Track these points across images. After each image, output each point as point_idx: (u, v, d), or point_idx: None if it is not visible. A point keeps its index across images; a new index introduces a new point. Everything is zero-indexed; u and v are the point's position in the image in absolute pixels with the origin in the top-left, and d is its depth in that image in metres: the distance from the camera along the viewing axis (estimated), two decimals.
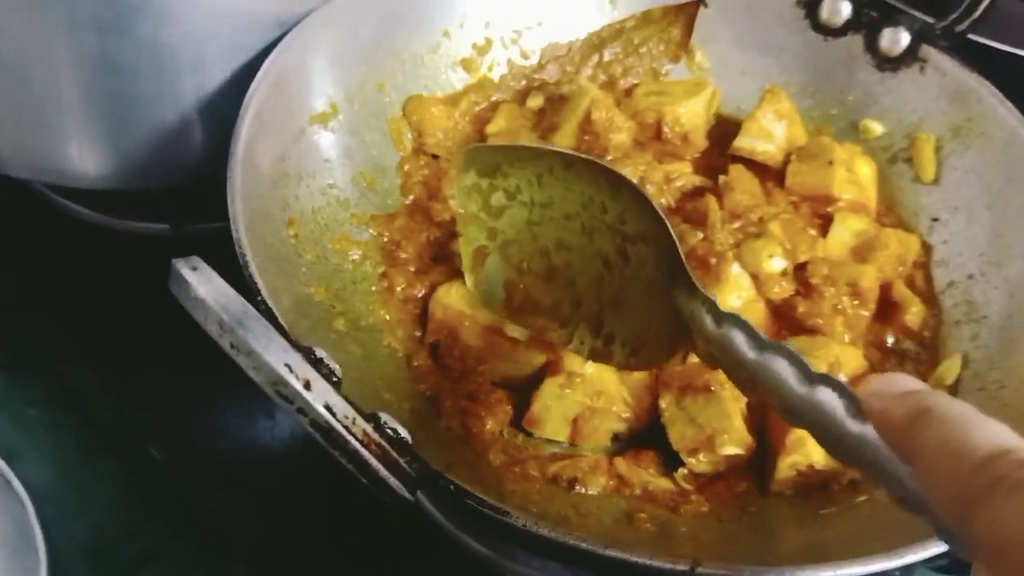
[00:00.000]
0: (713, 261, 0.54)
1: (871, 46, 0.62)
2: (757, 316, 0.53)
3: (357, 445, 0.31)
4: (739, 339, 0.38)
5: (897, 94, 0.62)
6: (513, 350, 0.52)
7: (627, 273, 0.48)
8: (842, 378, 0.36)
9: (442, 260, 0.56)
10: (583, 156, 0.50)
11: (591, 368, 0.51)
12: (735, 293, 0.53)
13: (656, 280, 0.46)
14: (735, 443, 0.48)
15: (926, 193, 0.60)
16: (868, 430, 0.32)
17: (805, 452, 0.47)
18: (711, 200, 0.57)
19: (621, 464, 0.50)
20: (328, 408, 0.31)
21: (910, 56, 0.61)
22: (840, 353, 0.51)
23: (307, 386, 0.30)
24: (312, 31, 0.55)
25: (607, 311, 0.48)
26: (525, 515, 0.38)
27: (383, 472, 0.32)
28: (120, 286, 0.67)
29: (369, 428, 0.32)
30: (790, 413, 0.36)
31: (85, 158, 0.57)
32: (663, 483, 0.49)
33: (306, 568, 0.57)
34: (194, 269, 0.32)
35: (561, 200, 0.50)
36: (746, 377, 0.38)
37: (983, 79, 0.59)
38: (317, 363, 0.34)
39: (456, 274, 0.54)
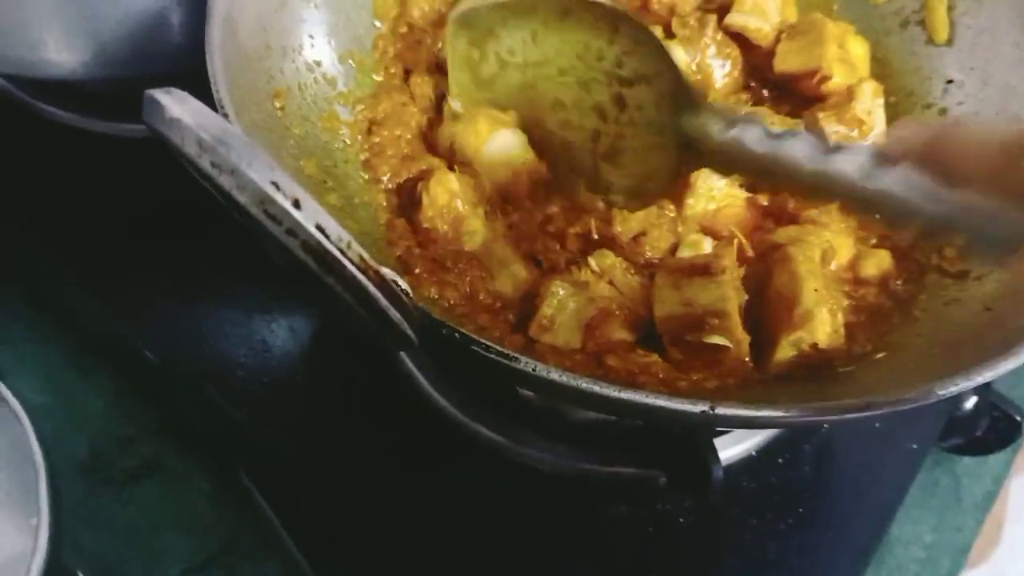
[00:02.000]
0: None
1: None
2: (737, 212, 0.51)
3: (354, 270, 0.29)
4: (751, 135, 0.41)
5: None
6: (506, 262, 0.49)
7: (623, 120, 0.47)
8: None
9: (433, 150, 0.54)
10: None
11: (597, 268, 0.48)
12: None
13: (654, 119, 0.46)
14: (725, 332, 0.45)
15: (939, 55, 0.58)
16: (893, 175, 0.34)
17: (810, 328, 0.45)
18: None
19: (613, 359, 0.46)
20: (320, 229, 0.29)
21: None
22: (832, 240, 0.49)
23: (296, 204, 0.28)
24: None
25: (604, 163, 0.47)
26: (533, 360, 0.35)
27: (383, 302, 0.30)
28: (102, 191, 0.65)
29: (365, 254, 0.30)
30: (812, 190, 0.39)
31: (58, 46, 0.55)
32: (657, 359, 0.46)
33: (311, 471, 0.56)
34: (168, 93, 0.30)
35: (556, 54, 0.48)
36: (763, 170, 0.41)
37: None
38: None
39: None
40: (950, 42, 0.57)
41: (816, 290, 0.44)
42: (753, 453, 0.56)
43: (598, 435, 0.53)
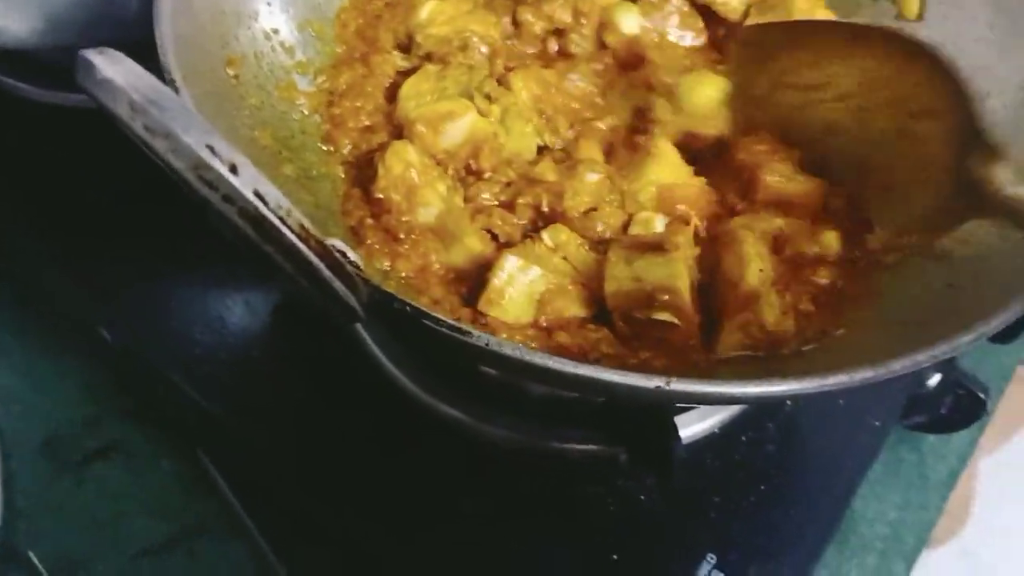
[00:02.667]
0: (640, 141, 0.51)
1: None
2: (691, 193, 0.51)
3: (293, 238, 0.28)
4: None
5: None
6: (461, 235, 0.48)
7: (900, 153, 0.46)
8: None
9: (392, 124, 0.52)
10: (877, 26, 0.48)
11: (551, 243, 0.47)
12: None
13: (939, 155, 0.45)
14: (673, 309, 0.44)
15: (911, 30, 0.57)
16: None
17: (756, 310, 0.44)
18: None
19: (563, 335, 0.45)
20: (258, 195, 0.27)
21: None
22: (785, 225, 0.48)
23: (233, 170, 0.27)
24: None
25: (875, 194, 0.47)
26: (486, 335, 0.35)
27: (326, 273, 0.29)
28: (61, 164, 0.64)
29: (306, 222, 0.29)
30: None
31: (7, 10, 0.53)
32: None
33: (273, 453, 0.55)
34: (101, 53, 0.28)
35: (837, 79, 0.47)
36: None
37: None
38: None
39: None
40: (920, 16, 0.57)
41: (761, 270, 0.44)
42: (716, 431, 0.56)
43: (560, 412, 0.53)
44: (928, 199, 0.46)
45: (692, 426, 0.55)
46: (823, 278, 0.46)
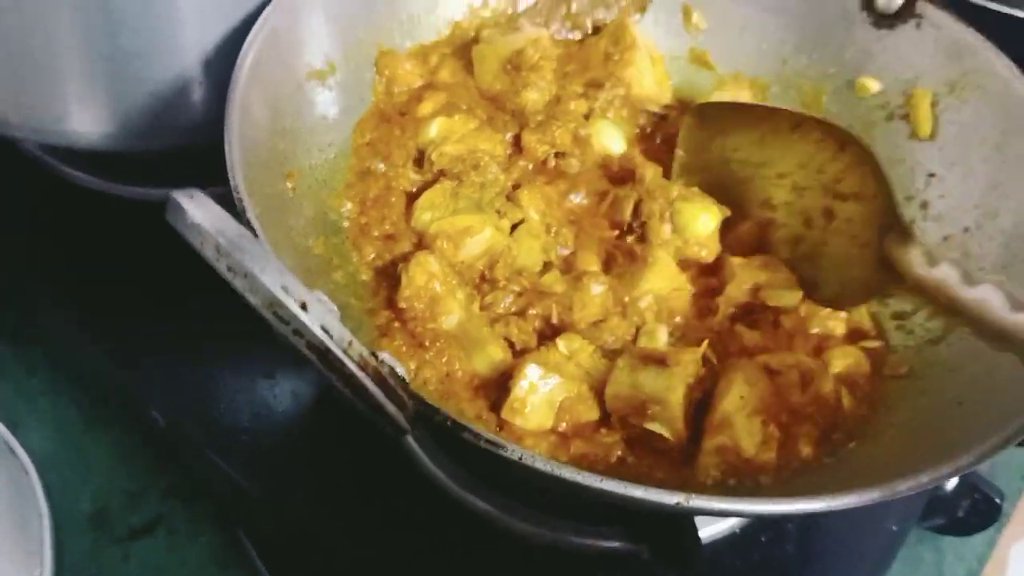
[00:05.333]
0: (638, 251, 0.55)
1: (868, 3, 0.62)
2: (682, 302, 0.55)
3: (354, 368, 0.31)
4: (954, 277, 0.45)
5: (894, 51, 0.62)
6: (482, 343, 0.51)
7: (829, 229, 0.53)
8: None
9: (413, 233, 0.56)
10: (815, 116, 0.54)
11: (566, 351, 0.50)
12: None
13: (861, 233, 0.51)
14: (664, 421, 0.47)
15: (922, 149, 0.60)
16: None
17: (731, 435, 0.47)
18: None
19: (578, 443, 0.48)
20: (325, 330, 0.31)
21: (907, 12, 0.61)
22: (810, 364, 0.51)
23: (303, 307, 0.31)
24: None
25: (801, 263, 0.53)
26: (520, 449, 0.38)
27: (380, 398, 0.32)
28: (119, 253, 0.68)
29: (365, 352, 0.32)
30: (996, 337, 0.43)
31: (83, 118, 0.58)
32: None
33: (309, 533, 0.58)
34: (191, 197, 0.32)
35: (778, 159, 0.54)
36: (953, 307, 0.46)
37: (979, 34, 0.59)
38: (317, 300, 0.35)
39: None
40: (933, 137, 0.60)
41: (742, 397, 0.46)
42: (737, 531, 0.58)
43: (585, 509, 0.55)
44: (852, 271, 0.52)
45: (713, 526, 0.57)
46: (830, 400, 0.48)
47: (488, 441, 0.37)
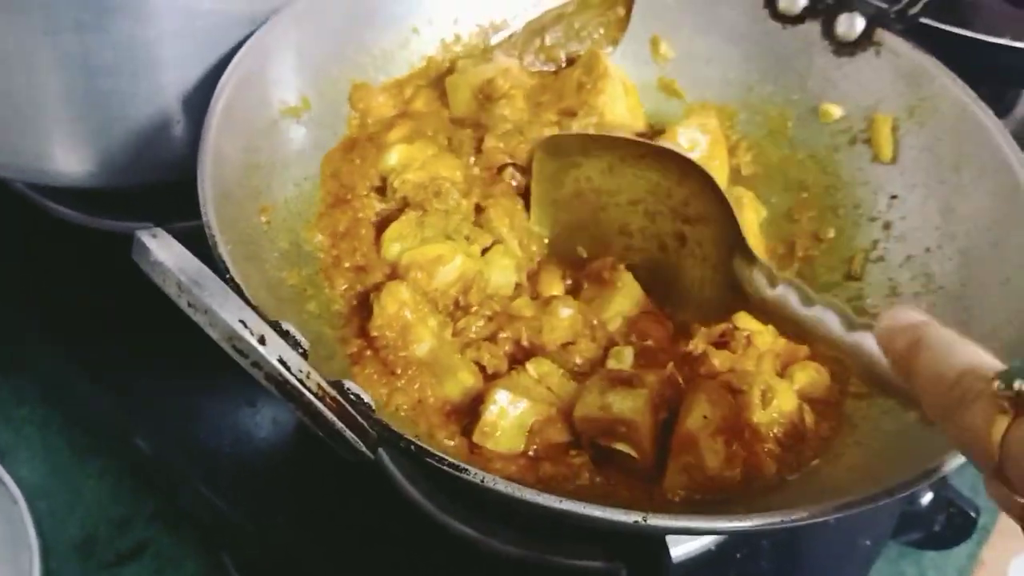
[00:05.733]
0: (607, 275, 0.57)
1: (828, 32, 0.64)
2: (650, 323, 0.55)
3: (312, 398, 0.33)
4: (793, 298, 0.46)
5: (854, 78, 0.63)
6: (453, 369, 0.52)
7: (683, 252, 0.54)
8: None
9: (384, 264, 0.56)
10: (657, 145, 0.56)
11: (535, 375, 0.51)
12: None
13: (711, 255, 0.53)
14: (631, 441, 0.48)
15: (885, 172, 0.62)
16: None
17: (696, 453, 0.48)
18: None
19: (548, 465, 0.49)
20: (282, 362, 0.32)
21: (866, 40, 0.63)
22: (773, 384, 0.52)
23: (261, 340, 0.32)
24: (282, 27, 0.57)
25: (660, 288, 0.54)
26: (482, 472, 0.39)
27: (339, 425, 0.34)
28: (102, 285, 0.69)
29: (324, 383, 0.33)
30: (842, 358, 0.43)
31: (66, 157, 0.59)
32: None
33: (292, 557, 0.59)
34: (154, 236, 0.34)
35: (629, 186, 0.55)
36: (796, 329, 0.46)
37: (935, 59, 0.60)
38: (284, 335, 0.36)
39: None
40: (894, 160, 0.62)
41: (705, 417, 0.47)
42: (712, 548, 0.59)
43: (561, 529, 0.56)
44: (706, 293, 0.54)
45: (688, 543, 0.58)
46: (793, 420, 0.49)
47: (451, 465, 0.38)
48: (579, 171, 0.57)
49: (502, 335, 0.52)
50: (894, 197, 0.61)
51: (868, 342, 0.41)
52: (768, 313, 0.49)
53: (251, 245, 0.51)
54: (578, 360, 0.52)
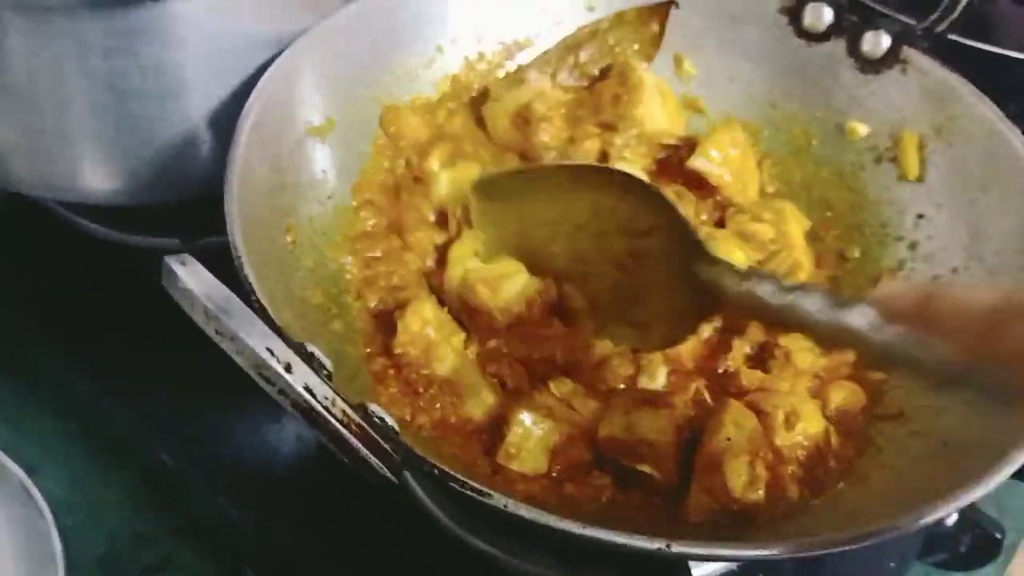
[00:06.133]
0: None
1: (853, 50, 0.63)
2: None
3: (337, 425, 0.33)
4: (764, 289, 0.44)
5: (880, 95, 0.63)
6: (475, 388, 0.52)
7: (642, 269, 0.52)
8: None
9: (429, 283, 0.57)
10: (589, 164, 0.55)
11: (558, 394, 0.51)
12: None
13: (672, 265, 0.51)
14: (655, 462, 0.48)
15: (911, 191, 0.61)
16: (893, 332, 0.37)
17: (720, 475, 0.47)
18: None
19: (571, 486, 0.49)
20: (308, 389, 0.32)
21: (891, 58, 0.62)
22: (798, 406, 0.51)
23: (288, 368, 0.32)
24: (307, 48, 0.57)
25: (629, 308, 0.52)
26: (506, 497, 0.39)
27: (364, 451, 0.34)
28: (130, 301, 0.70)
29: (349, 409, 0.34)
30: (822, 339, 0.43)
31: (95, 176, 0.60)
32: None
33: (316, 574, 0.59)
34: (183, 264, 0.34)
35: (570, 212, 0.53)
36: (775, 319, 0.45)
37: (962, 78, 0.60)
38: (309, 357, 0.36)
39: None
40: (921, 179, 0.61)
41: (729, 439, 0.47)
42: (735, 568, 0.58)
43: (583, 549, 0.56)
44: (676, 301, 0.52)
45: (710, 564, 0.57)
46: (819, 441, 0.49)
47: (474, 489, 0.39)
48: (518, 207, 0.56)
49: (535, 355, 0.52)
50: (920, 216, 0.60)
51: (857, 318, 0.40)
52: (744, 309, 0.47)
53: (277, 265, 0.51)
54: (609, 378, 0.52)
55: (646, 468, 0.48)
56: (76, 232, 0.71)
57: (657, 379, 0.52)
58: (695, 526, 0.47)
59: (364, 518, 0.60)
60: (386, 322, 0.54)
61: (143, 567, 0.67)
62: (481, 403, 0.51)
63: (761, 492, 0.47)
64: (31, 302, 0.70)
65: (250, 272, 0.45)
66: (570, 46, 0.68)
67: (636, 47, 0.67)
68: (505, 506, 0.38)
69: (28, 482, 0.67)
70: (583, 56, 0.68)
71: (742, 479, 0.46)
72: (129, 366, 0.67)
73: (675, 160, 0.64)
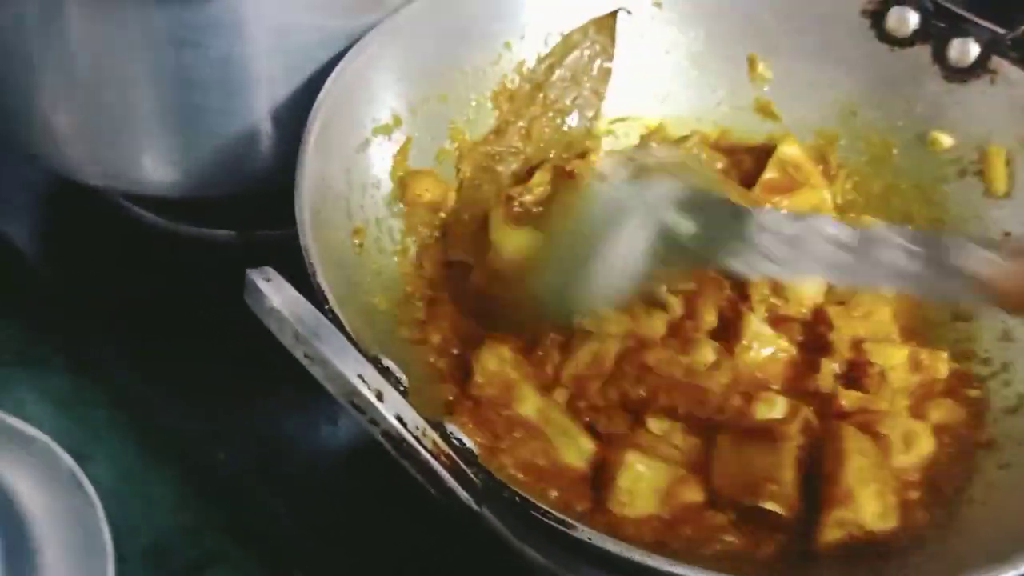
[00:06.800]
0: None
1: (939, 57, 0.61)
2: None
3: (427, 456, 0.32)
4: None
5: (966, 106, 0.60)
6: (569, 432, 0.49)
7: None
8: None
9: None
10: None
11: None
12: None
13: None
14: (780, 499, 0.45)
15: (997, 207, 0.59)
16: None
17: (854, 508, 0.45)
18: None
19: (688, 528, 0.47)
20: (399, 419, 0.31)
21: (980, 67, 0.59)
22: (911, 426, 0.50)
23: (379, 397, 0.31)
24: (376, 45, 0.56)
25: None
26: (590, 529, 0.37)
27: (451, 483, 0.33)
28: (186, 292, 0.69)
29: (438, 438, 0.32)
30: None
31: (157, 168, 0.59)
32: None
33: None
34: (268, 280, 0.33)
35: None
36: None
37: None
38: (385, 372, 0.35)
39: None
40: (1008, 195, 0.59)
41: (861, 468, 0.45)
42: None
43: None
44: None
45: None
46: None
47: (557, 520, 0.37)
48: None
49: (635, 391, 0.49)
50: (1007, 234, 0.58)
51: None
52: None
53: (345, 269, 0.50)
54: (712, 412, 0.49)
55: (772, 506, 0.45)
56: (133, 221, 0.71)
57: (777, 410, 0.49)
58: (831, 561, 0.45)
59: (417, 528, 0.58)
60: (456, 366, 0.52)
61: (190, 561, 0.66)
62: (579, 449, 0.48)
63: (895, 521, 0.45)
64: (89, 291, 0.69)
65: (323, 280, 0.44)
66: (538, 84, 0.64)
67: (598, 62, 0.65)
68: (589, 539, 0.37)
69: (78, 470, 0.66)
70: (552, 94, 0.65)
71: (875, 509, 0.44)
72: (184, 358, 0.66)
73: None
